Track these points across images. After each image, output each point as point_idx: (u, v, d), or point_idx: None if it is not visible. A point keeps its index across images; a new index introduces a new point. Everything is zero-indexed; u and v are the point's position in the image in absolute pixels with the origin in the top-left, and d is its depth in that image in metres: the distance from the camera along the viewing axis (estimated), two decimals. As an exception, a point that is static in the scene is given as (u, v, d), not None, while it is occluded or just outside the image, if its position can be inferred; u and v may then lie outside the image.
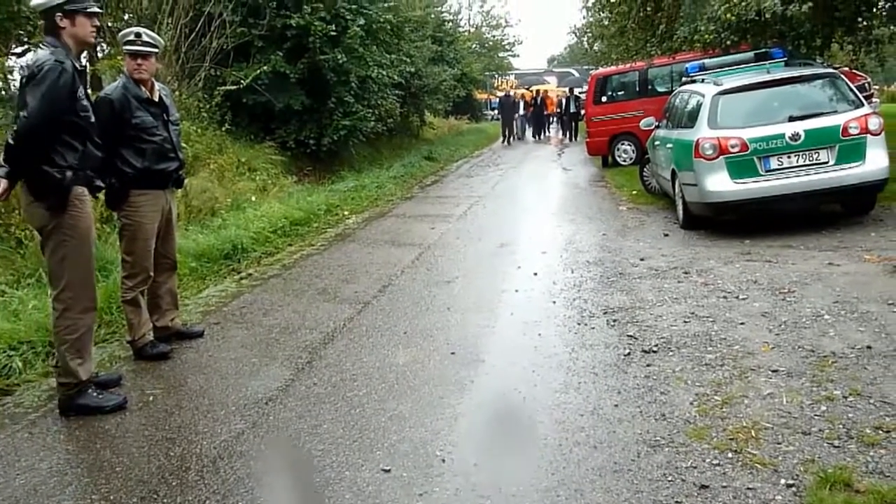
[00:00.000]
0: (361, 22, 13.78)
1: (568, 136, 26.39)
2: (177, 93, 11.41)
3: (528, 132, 30.00)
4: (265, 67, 12.74)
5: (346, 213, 11.08)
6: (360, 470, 3.30)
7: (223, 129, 11.97)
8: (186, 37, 12.30)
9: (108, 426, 3.97)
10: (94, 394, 4.21)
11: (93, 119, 4.21)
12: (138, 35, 4.93)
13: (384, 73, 15.11)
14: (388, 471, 3.28)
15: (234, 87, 12.52)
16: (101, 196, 4.89)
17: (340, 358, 4.81)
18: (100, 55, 12.21)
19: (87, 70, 5.27)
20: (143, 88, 4.94)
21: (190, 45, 12.40)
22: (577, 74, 42.18)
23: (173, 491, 3.24)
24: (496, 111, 33.57)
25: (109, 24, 12.62)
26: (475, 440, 3.54)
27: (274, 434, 3.74)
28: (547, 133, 30.14)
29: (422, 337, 5.13)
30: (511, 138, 27.14)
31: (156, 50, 5.02)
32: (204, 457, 3.54)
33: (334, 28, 13.21)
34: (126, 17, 13.14)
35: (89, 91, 4.48)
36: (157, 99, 5.03)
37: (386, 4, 15.01)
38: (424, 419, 3.80)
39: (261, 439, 3.69)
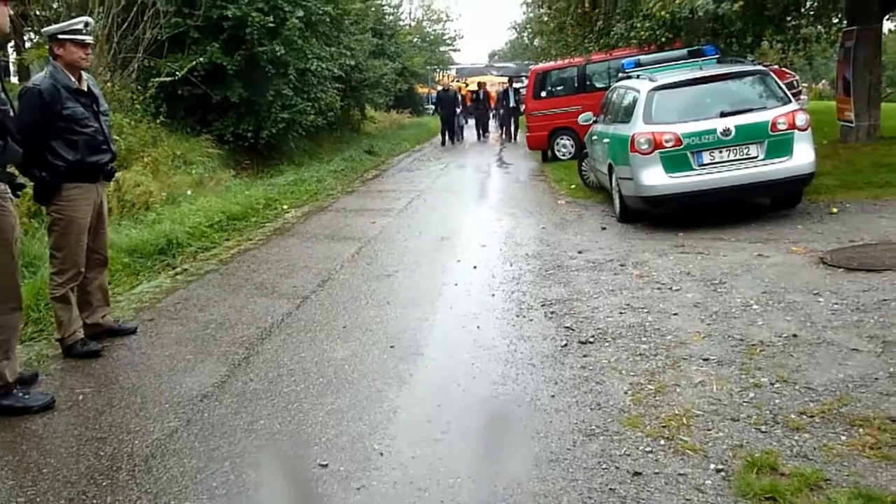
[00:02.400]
0: (300, 14, 13.59)
1: (507, 134, 23.61)
2: (109, 84, 11.10)
3: (469, 133, 26.39)
4: (201, 59, 12.48)
5: (285, 207, 10.93)
6: (296, 465, 3.27)
7: (158, 121, 11.70)
8: (119, 26, 11.96)
9: (35, 427, 3.84)
10: (20, 394, 4.06)
11: (11, 113, 4.05)
12: (87, 24, 4.79)
13: (324, 65, 14.94)
14: (326, 465, 3.25)
15: (169, 78, 12.23)
16: (29, 190, 4.72)
17: (278, 353, 4.75)
18: (27, 45, 11.79)
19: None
20: (73, 78, 4.78)
21: (122, 35, 12.06)
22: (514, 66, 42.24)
23: (103, 491, 3.15)
24: (435, 107, 29.70)
25: (37, 13, 12.20)
26: (413, 433, 3.54)
27: (208, 431, 3.67)
28: (488, 132, 26.36)
29: (361, 331, 5.10)
30: (453, 138, 24.13)
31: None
32: (136, 456, 3.45)
33: (272, 19, 13.00)
34: (55, 5, 12.72)
35: (14, 81, 4.32)
36: (85, 89, 4.87)
37: (325, -4, 14.85)
38: (363, 413, 3.78)
39: (195, 437, 3.61)
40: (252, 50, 13.09)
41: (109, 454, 3.49)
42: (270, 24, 12.98)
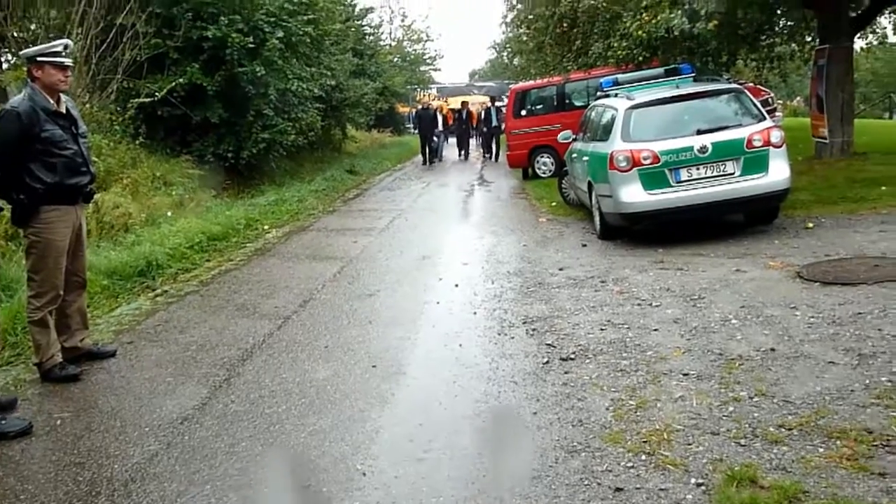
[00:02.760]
0: (280, 34, 13.62)
1: (489, 153, 23.46)
2: (87, 105, 11.06)
3: (450, 152, 25.69)
4: (181, 80, 12.46)
5: (266, 227, 10.91)
6: (278, 487, 3.25)
7: (137, 142, 11.65)
8: (97, 47, 11.92)
9: (13, 452, 3.80)
10: (-3, 419, 4.02)
11: None
12: (66, 47, 4.79)
13: (304, 85, 14.97)
14: (308, 486, 3.24)
15: (149, 99, 12.20)
16: (7, 213, 4.70)
17: (259, 374, 4.73)
18: (4, 66, 11.73)
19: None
20: (51, 100, 4.77)
21: (101, 57, 12.02)
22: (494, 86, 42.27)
23: (82, 517, 3.12)
24: (413, 126, 29.05)
25: (15, 35, 12.15)
26: (396, 453, 3.53)
27: (189, 454, 3.64)
28: (469, 151, 25.56)
29: (342, 351, 5.09)
30: (433, 159, 23.39)
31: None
32: (115, 480, 3.42)
33: (252, 40, 13.03)
34: (33, 26, 12.67)
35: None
36: (64, 111, 4.86)
37: (305, 17, 14.87)
38: (345, 433, 3.77)
39: (175, 460, 3.59)
40: (232, 70, 13.10)
41: (88, 479, 3.46)
42: (251, 45, 13.00)
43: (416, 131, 25.25)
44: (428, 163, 23.03)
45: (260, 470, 3.42)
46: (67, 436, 3.99)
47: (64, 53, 4.76)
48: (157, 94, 12.19)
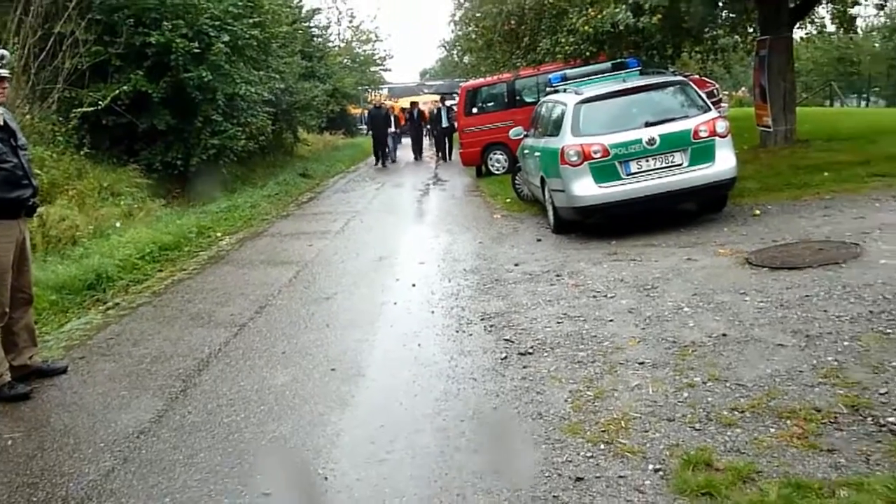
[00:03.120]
0: (226, 38, 13.43)
1: (441, 154, 22.80)
2: (28, 116, 10.76)
3: (404, 152, 25.00)
4: (125, 87, 12.20)
5: (219, 234, 10.76)
6: (239, 496, 3.22)
7: (82, 153, 11.36)
8: (36, 57, 11.61)
9: (-39, 476, 3.69)
10: (-56, 443, 3.90)
11: None
12: (2, 58, 4.65)
13: (253, 89, 14.78)
14: (269, 494, 3.22)
15: (92, 108, 11.91)
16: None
17: (216, 384, 4.67)
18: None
19: None
20: (-12, 114, 4.65)
21: (40, 66, 11.71)
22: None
23: (36, 538, 3.04)
24: (366, 127, 28.26)
25: (-53, 46, 11.77)
26: (357, 455, 3.52)
27: (146, 468, 3.58)
28: (423, 151, 24.80)
29: (301, 356, 5.06)
30: (385, 160, 22.95)
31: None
32: (70, 499, 3.35)
33: (197, 45, 12.81)
34: (-34, 36, 12.29)
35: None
36: (1, 123, 4.73)
37: (251, 20, 14.69)
38: (305, 438, 3.75)
39: (132, 475, 3.52)
40: (178, 76, 12.86)
41: (43, 500, 3.38)
42: (196, 50, 12.79)
43: (369, 132, 24.61)
44: (382, 164, 22.66)
45: (220, 480, 3.38)
46: (19, 456, 3.88)
47: (0, 64, 4.63)
48: (100, 102, 11.92)
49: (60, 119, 11.60)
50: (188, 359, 5.22)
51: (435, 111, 23.52)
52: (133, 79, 12.37)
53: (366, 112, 30.89)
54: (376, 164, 22.81)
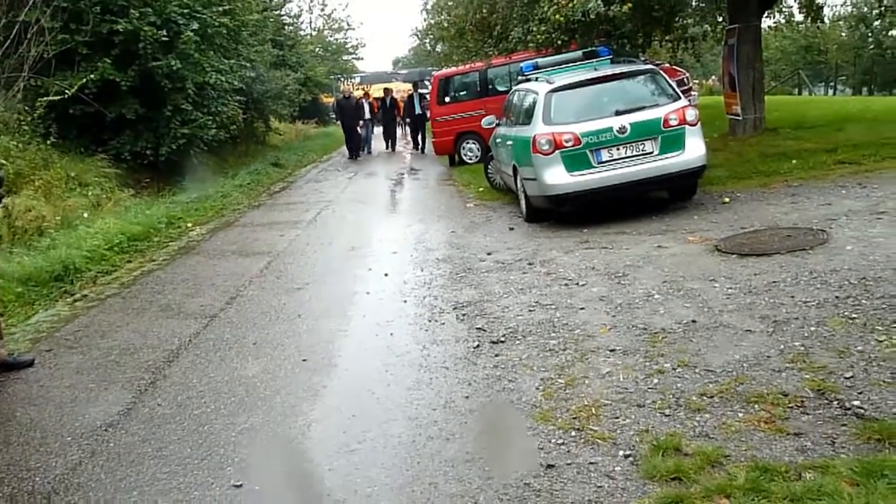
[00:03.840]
0: (195, 26, 13.22)
1: (415, 143, 21.90)
2: (-9, 105, 10.54)
3: (377, 143, 23.39)
4: (92, 76, 11.96)
5: (189, 224, 10.63)
6: (209, 488, 3.19)
7: (48, 142, 11.17)
8: (1, 45, 11.36)
9: (-76, 472, 3.62)
10: None
11: None
12: None
13: (223, 78, 14.58)
14: (240, 486, 3.20)
15: (59, 97, 11.68)
16: None
17: (186, 375, 4.63)
18: None
19: None
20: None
21: (5, 55, 11.46)
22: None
23: (2, 534, 3.00)
24: (335, 117, 26.26)
25: None
26: (329, 445, 3.51)
27: (114, 461, 3.54)
28: (396, 141, 23.45)
29: (272, 347, 5.02)
30: (359, 152, 21.66)
31: None
32: (37, 493, 3.30)
33: (165, 33, 12.60)
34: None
35: None
36: (-38, 112, 4.63)
37: (220, 8, 14.48)
38: (277, 429, 3.73)
39: (100, 468, 3.48)
40: (146, 65, 12.65)
41: (8, 494, 3.33)
42: (164, 38, 12.57)
43: (339, 122, 23.10)
44: (355, 156, 21.39)
45: (190, 472, 3.35)
46: (-16, 451, 3.82)
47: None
48: (67, 91, 11.69)
49: (26, 108, 11.38)
50: (158, 350, 5.16)
51: (407, 98, 22.58)
52: (100, 67, 12.13)
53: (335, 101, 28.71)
54: (350, 157, 21.63)
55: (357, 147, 21.69)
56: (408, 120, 22.69)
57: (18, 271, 6.98)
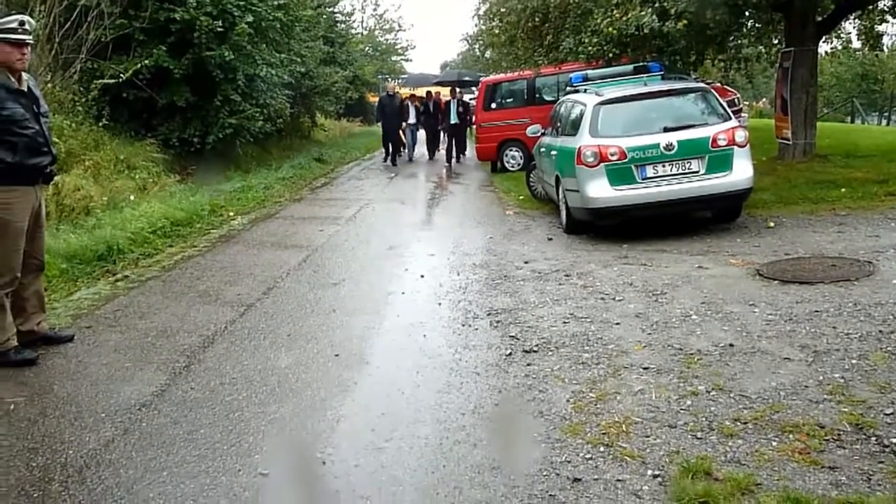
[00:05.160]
0: (250, 19, 13.43)
1: (454, 152, 19.55)
2: (49, 85, 10.80)
3: (420, 148, 21.59)
4: (147, 62, 12.23)
5: (231, 213, 10.78)
6: (236, 475, 3.23)
7: (100, 124, 11.43)
8: (61, 26, 11.64)
9: (-37, 437, 3.71)
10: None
11: None
12: (22, 23, 4.64)
13: (273, 72, 14.79)
14: (267, 475, 3.22)
15: (113, 80, 11.95)
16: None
17: (220, 361, 4.68)
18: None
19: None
20: (13, 79, 4.65)
21: (64, 36, 11.74)
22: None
23: (34, 503, 3.06)
24: (377, 116, 23.20)
25: (-26, 10, 11.81)
26: (356, 442, 3.53)
27: (146, 441, 3.59)
28: (439, 147, 21.31)
29: (305, 339, 5.07)
30: (395, 156, 19.75)
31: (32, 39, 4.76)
32: (69, 466, 3.36)
33: (221, 24, 12.83)
34: (-7, 3, 12.32)
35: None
36: (25, 89, 4.75)
37: (276, 2, 14.70)
38: (306, 421, 3.76)
39: (132, 447, 3.54)
40: (200, 54, 12.89)
41: (42, 465, 3.40)
42: (219, 29, 12.80)
43: (379, 122, 21.19)
44: (392, 161, 19.54)
45: (218, 458, 3.39)
46: (21, 421, 3.91)
47: (20, 30, 4.62)
48: (122, 75, 11.96)
49: (81, 89, 11.64)
50: (193, 335, 5.24)
51: (446, 104, 20.29)
52: (155, 54, 12.40)
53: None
54: (385, 160, 20.03)
55: (396, 150, 20.00)
56: (443, 124, 20.65)
57: (64, 248, 7.14)
